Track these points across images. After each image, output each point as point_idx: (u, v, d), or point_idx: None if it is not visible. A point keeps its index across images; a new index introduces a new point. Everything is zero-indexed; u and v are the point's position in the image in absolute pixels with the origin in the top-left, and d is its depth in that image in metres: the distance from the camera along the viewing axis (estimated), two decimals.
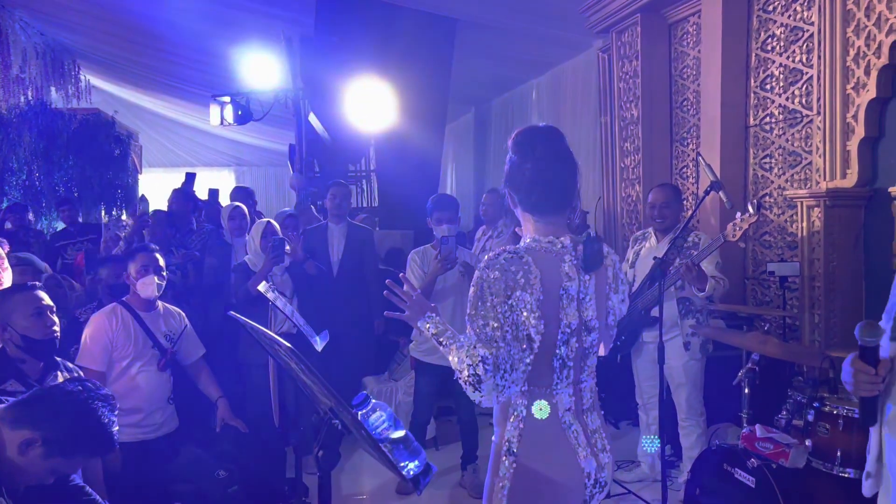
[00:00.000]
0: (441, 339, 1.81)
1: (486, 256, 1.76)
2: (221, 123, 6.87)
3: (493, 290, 1.67)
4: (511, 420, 1.77)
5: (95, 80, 11.96)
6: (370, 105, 6.82)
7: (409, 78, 6.99)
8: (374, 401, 1.35)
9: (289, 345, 1.36)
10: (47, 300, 2.52)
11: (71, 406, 1.82)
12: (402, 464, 1.34)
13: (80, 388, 1.86)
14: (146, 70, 10.80)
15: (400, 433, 1.37)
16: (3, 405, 1.84)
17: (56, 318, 2.54)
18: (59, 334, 2.51)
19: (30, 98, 10.98)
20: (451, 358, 1.74)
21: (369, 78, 6.78)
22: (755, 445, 2.76)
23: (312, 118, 7.26)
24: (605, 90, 6.65)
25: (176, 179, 9.98)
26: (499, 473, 1.75)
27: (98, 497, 2.10)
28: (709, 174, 3.47)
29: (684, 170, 5.63)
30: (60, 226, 10.18)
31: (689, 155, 5.57)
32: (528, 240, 1.80)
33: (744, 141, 4.92)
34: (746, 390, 3.27)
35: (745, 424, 3.23)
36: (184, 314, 3.74)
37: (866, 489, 1.77)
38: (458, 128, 11.40)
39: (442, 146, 7.59)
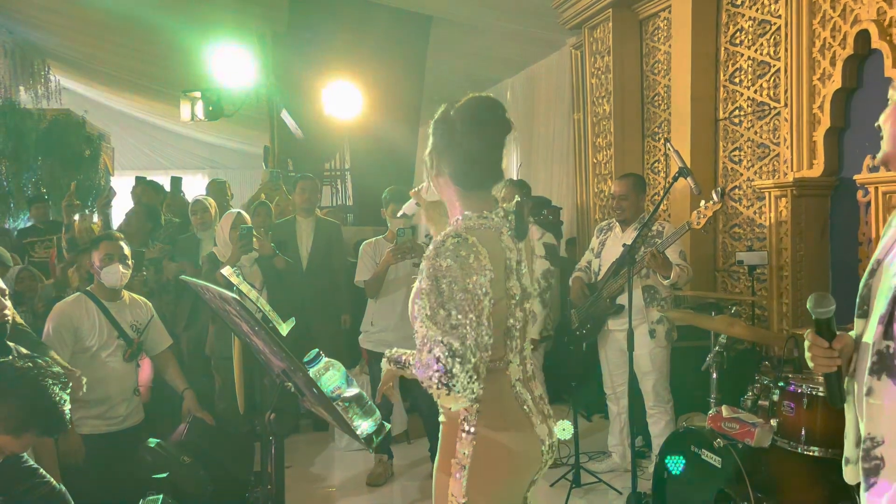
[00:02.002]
0: (401, 358, 1.70)
1: (430, 245, 1.65)
2: (192, 119, 6.79)
3: (448, 278, 1.57)
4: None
5: (66, 81, 11.79)
6: (344, 102, 6.79)
7: (382, 75, 6.97)
8: (326, 359, 1.32)
9: (236, 297, 1.32)
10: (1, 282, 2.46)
11: (20, 383, 1.77)
12: (356, 423, 1.31)
13: (29, 364, 1.81)
14: (117, 69, 10.68)
15: (353, 391, 1.34)
16: None
17: (8, 303, 2.47)
18: (10, 319, 2.44)
19: None
20: (414, 371, 1.61)
21: (342, 75, 6.75)
22: (721, 426, 2.76)
23: (285, 115, 7.21)
24: (577, 87, 6.68)
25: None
26: (455, 453, 1.67)
27: (52, 479, 2.04)
28: (677, 160, 3.49)
29: (656, 164, 5.66)
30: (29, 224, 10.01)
31: (660, 150, 5.60)
32: (461, 218, 1.72)
33: (713, 134, 4.96)
34: (714, 375, 3.28)
35: (713, 408, 3.24)
36: (150, 305, 3.68)
37: (849, 476, 1.68)
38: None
39: (416, 143, 7.58)
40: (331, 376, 1.32)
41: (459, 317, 1.54)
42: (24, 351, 2.60)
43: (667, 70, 5.41)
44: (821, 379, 2.24)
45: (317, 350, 1.33)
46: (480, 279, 1.58)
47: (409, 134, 7.53)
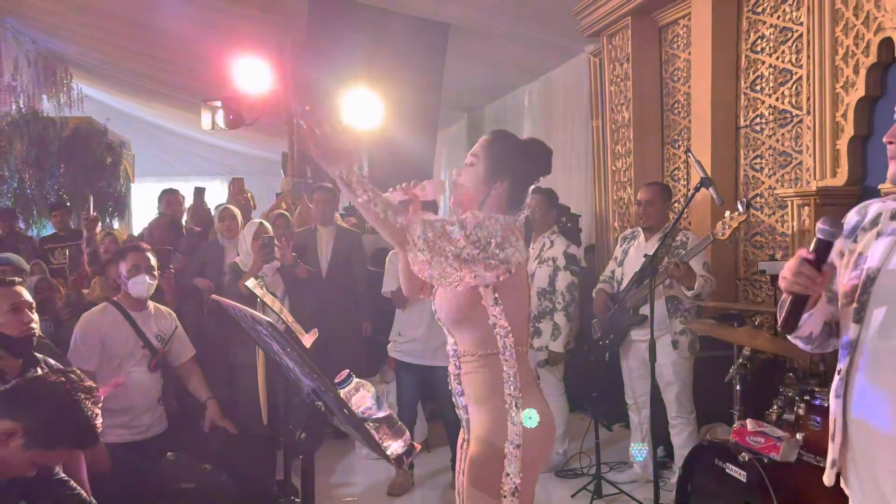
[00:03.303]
0: (367, 188, 1.87)
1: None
2: (213, 128, 6.85)
3: (483, 230, 1.87)
4: (507, 382, 1.94)
5: (88, 89, 11.94)
6: (362, 110, 6.82)
7: (401, 83, 6.99)
8: (357, 380, 1.33)
9: (269, 319, 1.34)
10: (26, 296, 2.48)
11: (53, 397, 1.80)
12: (385, 443, 1.32)
13: (63, 379, 1.84)
14: (139, 78, 10.79)
15: (384, 412, 1.35)
16: None
17: (35, 315, 2.50)
18: (36, 331, 2.47)
19: (22, 106, 10.94)
20: (382, 209, 1.85)
21: (361, 83, 6.78)
22: (746, 440, 2.75)
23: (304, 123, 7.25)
24: (596, 94, 6.67)
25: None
26: (509, 437, 1.90)
27: (82, 491, 2.07)
28: (698, 170, 3.48)
29: (675, 172, 5.64)
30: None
31: (680, 157, 5.58)
32: (501, 216, 1.97)
33: (734, 142, 4.93)
34: (738, 387, 3.26)
35: (736, 421, 3.22)
36: (174, 315, 3.72)
37: (829, 479, 1.70)
38: (450, 134, 11.41)
39: (434, 151, 7.60)
40: (361, 397, 1.33)
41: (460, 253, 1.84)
42: (52, 362, 2.64)
43: (686, 77, 5.39)
44: None
45: (348, 371, 1.35)
46: (516, 255, 1.91)
47: (426, 140, 7.55)
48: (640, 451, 4.12)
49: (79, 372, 1.95)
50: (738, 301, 4.92)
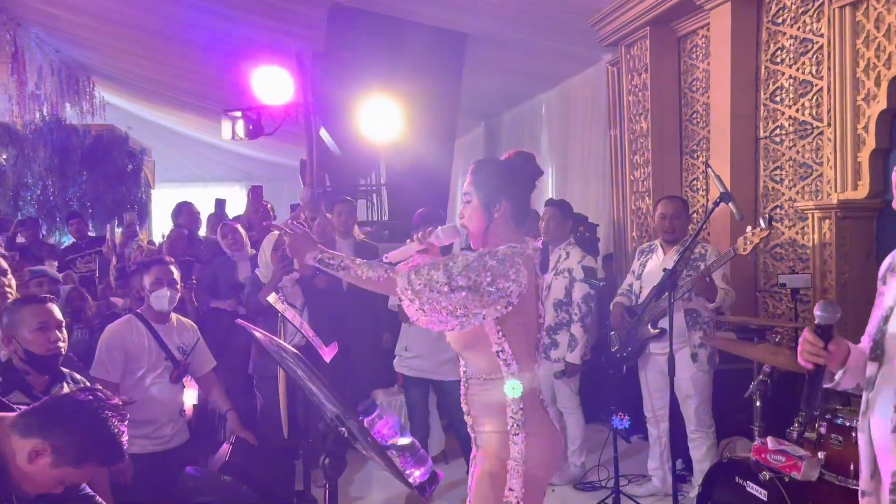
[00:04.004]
0: (342, 262, 2.04)
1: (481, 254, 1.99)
2: (233, 138, 6.91)
3: (483, 270, 1.92)
4: (510, 405, 2.01)
5: (110, 97, 12.09)
6: (380, 120, 6.85)
7: (419, 93, 7.02)
8: (380, 408, 1.35)
9: (295, 350, 1.36)
10: (56, 315, 2.51)
11: (81, 415, 1.83)
12: (408, 471, 1.34)
13: (90, 397, 1.87)
14: (159, 86, 10.91)
15: (406, 440, 1.36)
16: (13, 413, 1.85)
17: (64, 334, 2.53)
18: (63, 350, 2.51)
19: (45, 114, 11.10)
20: (365, 272, 2.00)
21: (380, 93, 6.82)
22: (767, 458, 2.73)
23: (323, 133, 7.31)
24: (614, 103, 6.66)
25: (186, 194, 10.06)
26: (512, 455, 1.98)
27: None
28: (718, 185, 3.47)
29: (694, 182, 5.62)
30: (71, 240, 10.28)
31: (698, 168, 5.56)
32: (505, 247, 2.02)
33: (754, 153, 4.90)
34: (758, 403, 3.24)
35: (756, 437, 3.20)
36: (196, 327, 3.76)
37: None
38: (467, 142, 11.43)
39: (451, 160, 7.62)
40: (384, 424, 1.34)
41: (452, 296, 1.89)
42: (77, 377, 2.68)
43: (705, 88, 5.38)
44: None
45: (372, 399, 1.36)
46: (513, 287, 1.93)
47: (444, 150, 7.58)
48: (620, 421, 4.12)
49: (106, 391, 1.98)
50: (757, 312, 4.90)
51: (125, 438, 1.89)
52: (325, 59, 7.33)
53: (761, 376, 3.22)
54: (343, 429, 1.35)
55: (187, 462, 3.56)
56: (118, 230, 11.51)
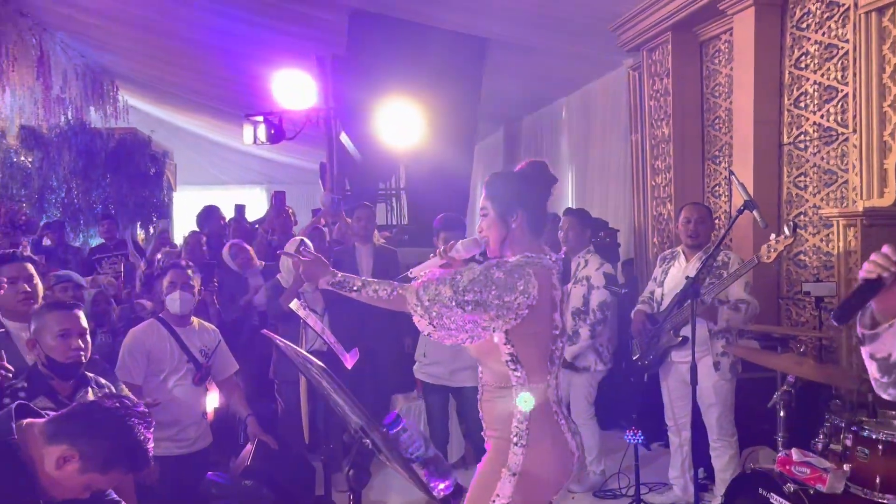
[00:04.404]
0: (354, 284, 2.11)
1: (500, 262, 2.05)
2: (255, 142, 6.97)
3: (490, 284, 1.94)
4: (516, 415, 2.03)
5: (133, 100, 12.23)
6: (400, 124, 6.88)
7: (439, 97, 7.04)
8: (405, 421, 1.36)
9: (321, 364, 1.37)
10: (80, 322, 2.52)
11: (109, 422, 1.85)
12: (433, 484, 1.34)
13: (117, 404, 1.89)
14: (182, 90, 11.02)
15: (431, 453, 1.37)
16: (41, 420, 1.87)
17: (87, 342, 2.54)
18: (85, 357, 2.51)
19: (70, 118, 11.25)
20: (377, 291, 2.06)
21: (400, 97, 6.84)
22: (791, 470, 2.70)
23: (344, 137, 7.34)
24: (635, 108, 6.63)
25: (208, 197, 10.15)
26: (507, 464, 2.00)
27: None
28: (742, 193, 3.44)
29: (716, 188, 5.58)
30: (97, 242, 10.41)
31: (721, 173, 5.52)
32: (519, 256, 2.08)
33: (777, 159, 4.86)
34: (782, 413, 3.21)
35: (780, 448, 3.17)
36: (217, 330, 3.79)
37: None
38: (487, 146, 11.43)
39: (471, 164, 7.62)
40: (409, 437, 1.35)
41: (459, 310, 1.92)
42: (102, 381, 2.70)
43: (728, 93, 5.34)
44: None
45: (396, 412, 1.37)
46: (521, 299, 1.95)
47: (464, 154, 7.58)
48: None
49: (133, 398, 2.00)
50: (780, 320, 4.85)
51: (151, 445, 1.91)
52: (346, 63, 7.36)
53: (785, 386, 3.18)
54: (367, 441, 1.36)
55: (211, 465, 3.60)
56: (140, 234, 11.65)
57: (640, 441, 3.86)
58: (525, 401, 1.97)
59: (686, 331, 3.62)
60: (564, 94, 8.61)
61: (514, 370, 2.03)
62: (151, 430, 1.92)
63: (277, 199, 6.65)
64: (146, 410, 1.94)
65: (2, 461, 1.74)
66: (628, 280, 6.24)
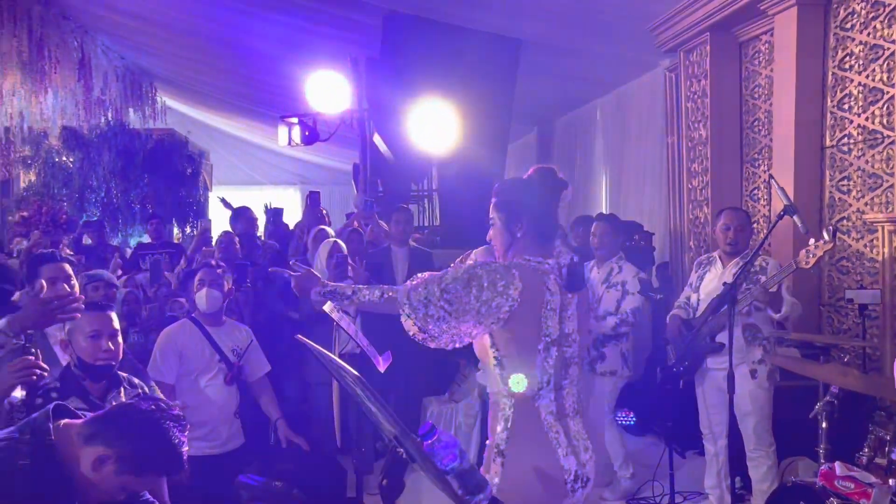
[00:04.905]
0: (346, 292, 2.13)
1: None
2: (289, 144, 7.03)
3: (469, 282, 1.93)
4: (500, 423, 2.00)
5: (171, 102, 12.42)
6: (433, 125, 6.86)
7: (472, 98, 7.00)
8: (439, 431, 1.34)
9: (356, 373, 1.36)
10: (112, 324, 2.53)
11: (144, 425, 1.86)
12: (467, 497, 1.32)
13: (153, 407, 1.90)
14: (218, 91, 11.16)
15: (465, 465, 1.35)
16: (79, 421, 1.89)
17: (116, 344, 2.53)
18: (115, 360, 2.53)
19: (110, 119, 11.46)
20: (368, 296, 2.09)
21: (433, 98, 6.83)
22: (835, 484, 2.62)
23: (377, 139, 7.36)
24: (671, 110, 6.53)
25: (243, 197, 10.26)
26: (489, 472, 1.98)
27: None
28: (782, 198, 3.36)
29: (755, 192, 5.46)
30: (135, 241, 10.59)
31: (760, 176, 5.41)
32: (518, 258, 2.07)
33: (819, 162, 4.74)
34: (824, 424, 3.12)
35: (822, 460, 3.08)
36: (250, 331, 3.81)
37: None
38: (520, 147, 11.37)
39: (504, 166, 7.58)
40: (443, 449, 1.33)
41: (443, 312, 1.92)
42: (136, 381, 2.72)
43: (768, 95, 5.23)
44: None
45: (431, 423, 1.35)
46: (499, 300, 1.92)
47: (497, 155, 7.53)
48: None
49: (168, 401, 2.02)
50: (821, 328, 4.73)
51: (186, 449, 1.91)
52: (380, 65, 7.37)
53: (828, 397, 3.10)
54: (401, 450, 1.34)
55: (243, 466, 3.61)
56: (176, 233, 11.81)
57: (631, 422, 3.80)
58: (517, 382, 1.92)
59: (722, 337, 3.55)
60: (599, 95, 8.53)
61: (501, 374, 2.00)
62: (186, 433, 1.93)
63: (312, 200, 6.69)
64: (181, 413, 1.95)
65: (40, 462, 1.76)
66: (663, 284, 6.15)
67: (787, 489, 2.92)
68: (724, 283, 3.51)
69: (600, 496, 4.52)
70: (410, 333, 1.99)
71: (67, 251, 5.20)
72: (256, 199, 10.31)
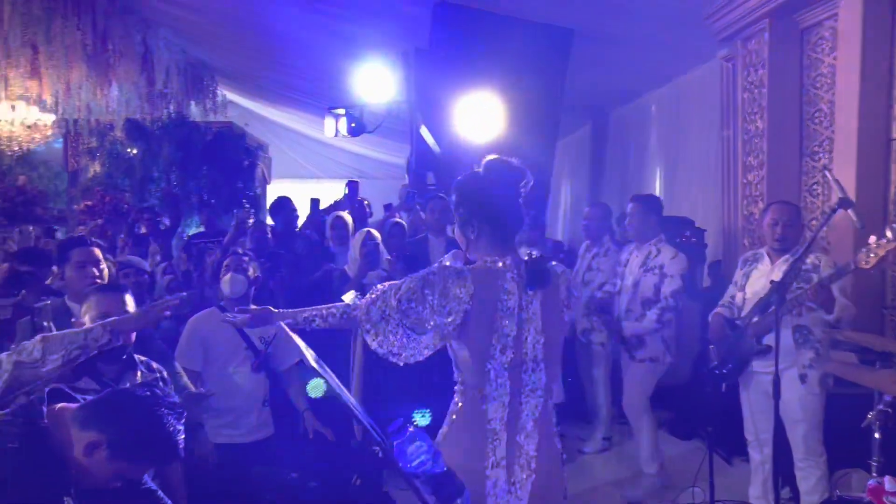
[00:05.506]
0: (305, 317, 2.10)
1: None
2: (335, 135, 7.04)
3: (421, 287, 1.90)
4: (449, 415, 1.97)
5: (231, 95, 12.64)
6: (481, 117, 6.75)
7: (521, 90, 6.86)
8: (412, 429, 1.24)
9: (312, 362, 1.27)
10: (125, 306, 2.51)
11: (137, 411, 1.83)
12: (432, 499, 1.22)
13: (148, 393, 1.87)
14: (273, 84, 11.30)
15: (439, 468, 1.25)
16: (74, 405, 1.87)
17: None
18: (128, 343, 2.51)
19: (171, 112, 11.74)
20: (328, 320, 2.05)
21: (481, 90, 6.72)
22: (883, 500, 2.42)
23: (423, 130, 7.29)
24: (727, 102, 6.25)
25: (301, 190, 10.38)
26: None
27: (169, 501, 2.11)
28: (837, 190, 3.13)
29: (815, 187, 5.17)
30: (192, 231, 10.82)
31: (820, 170, 5.11)
32: (451, 264, 2.03)
33: (885, 156, 4.44)
34: (877, 435, 2.90)
35: (874, 473, 2.87)
36: None
37: None
38: (573, 142, 11.14)
39: (552, 159, 7.41)
40: (416, 449, 1.23)
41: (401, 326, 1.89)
42: (154, 365, 2.71)
43: (831, 84, 4.93)
44: None
45: (402, 419, 1.26)
46: (452, 305, 1.88)
47: (545, 148, 7.36)
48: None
49: (165, 388, 1.99)
50: (884, 332, 4.42)
51: (181, 437, 1.87)
52: (429, 56, 7.29)
53: (882, 405, 2.87)
54: (376, 448, 1.25)
55: (271, 456, 3.60)
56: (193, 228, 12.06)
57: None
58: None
59: (769, 339, 3.34)
60: (653, 87, 8.26)
61: (457, 373, 1.97)
62: (182, 421, 1.89)
63: (351, 188, 6.69)
64: (177, 401, 1.91)
65: (31, 446, 1.74)
66: (715, 283, 5.90)
67: (833, 503, 2.71)
68: (772, 282, 3.31)
69: (620, 493, 4.39)
70: (373, 348, 1.94)
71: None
72: (314, 193, 10.40)
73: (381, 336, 1.88)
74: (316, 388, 1.84)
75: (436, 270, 1.95)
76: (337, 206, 6.52)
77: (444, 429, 1.98)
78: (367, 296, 1.98)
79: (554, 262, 2.12)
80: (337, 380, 1.56)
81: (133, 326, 2.15)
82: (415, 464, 1.21)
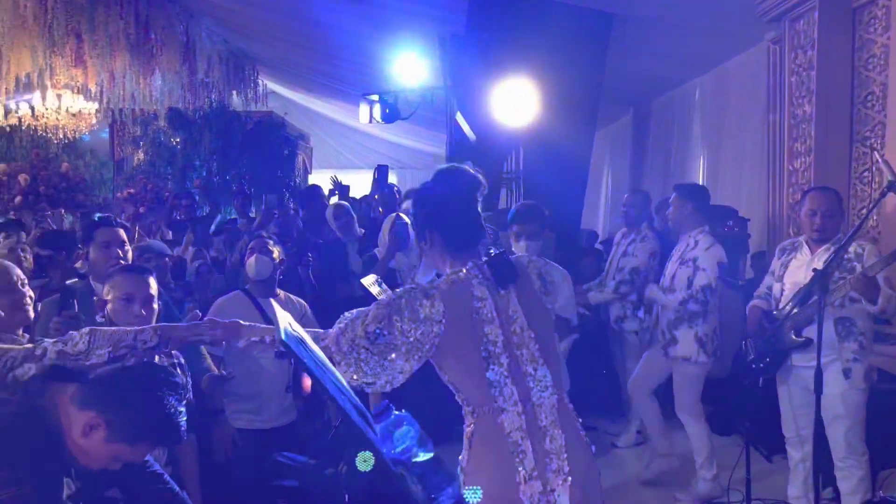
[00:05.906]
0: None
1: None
2: (370, 121, 6.99)
3: (393, 315, 1.80)
4: (465, 440, 1.80)
5: (272, 85, 12.71)
6: (518, 104, 6.63)
7: (559, 75, 6.70)
8: (397, 413, 1.16)
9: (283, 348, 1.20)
10: (149, 289, 2.49)
11: (137, 392, 1.79)
12: (424, 494, 1.14)
13: (149, 373, 1.83)
14: (312, 73, 11.32)
15: (427, 455, 1.16)
16: (74, 384, 1.83)
17: (149, 309, 2.49)
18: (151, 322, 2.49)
19: (213, 101, 11.86)
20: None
21: (518, 76, 6.59)
22: None
23: (459, 118, 7.20)
24: (774, 85, 6.01)
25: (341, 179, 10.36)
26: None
27: (175, 485, 2.07)
28: (887, 172, 2.95)
29: (865, 174, 4.92)
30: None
31: (872, 157, 4.86)
32: (443, 276, 1.93)
33: None
34: None
35: None
36: (305, 304, 3.75)
37: None
38: (615, 130, 10.91)
39: (591, 147, 7.24)
40: (403, 433, 1.15)
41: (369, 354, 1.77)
42: (172, 351, 2.68)
43: (884, 66, 4.68)
44: None
45: (387, 402, 1.18)
46: (423, 327, 1.79)
47: (584, 136, 7.21)
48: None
49: (168, 368, 1.94)
50: None
51: (182, 419, 1.83)
52: (465, 41, 7.19)
53: None
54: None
55: (293, 442, 3.56)
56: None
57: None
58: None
59: (810, 331, 3.17)
60: (697, 74, 8.00)
61: (459, 396, 1.84)
62: (184, 403, 1.84)
63: (380, 174, 6.65)
64: (181, 381, 1.86)
65: (27, 424, 1.71)
66: (758, 275, 5.68)
67: None
68: (814, 270, 3.13)
69: (674, 496, 4.23)
70: (347, 381, 1.80)
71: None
72: (353, 182, 10.39)
73: (352, 367, 1.78)
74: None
75: (401, 293, 1.86)
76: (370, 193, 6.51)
77: (462, 454, 1.83)
78: (336, 325, 1.86)
79: (518, 255, 2.07)
80: (319, 359, 1.47)
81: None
82: (399, 450, 1.13)
